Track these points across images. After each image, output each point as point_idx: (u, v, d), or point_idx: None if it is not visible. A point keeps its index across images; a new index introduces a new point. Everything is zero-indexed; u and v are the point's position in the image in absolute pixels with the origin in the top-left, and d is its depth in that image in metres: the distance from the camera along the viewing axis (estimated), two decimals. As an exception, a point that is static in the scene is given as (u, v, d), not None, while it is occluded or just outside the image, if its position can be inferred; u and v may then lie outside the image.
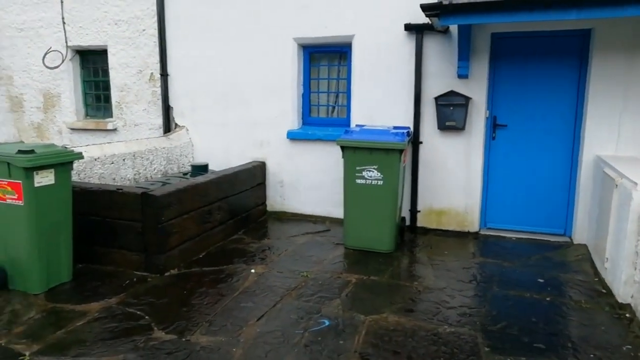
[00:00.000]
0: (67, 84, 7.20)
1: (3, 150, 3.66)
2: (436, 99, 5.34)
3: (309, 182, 6.06)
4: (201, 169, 5.76)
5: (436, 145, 5.46)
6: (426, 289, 3.94)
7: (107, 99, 7.14)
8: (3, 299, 3.70)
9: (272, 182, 6.25)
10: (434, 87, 5.36)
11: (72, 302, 3.68)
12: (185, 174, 5.61)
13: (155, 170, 5.85)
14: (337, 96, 6.17)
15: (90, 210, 4.35)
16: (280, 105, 6.04)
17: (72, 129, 7.23)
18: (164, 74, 6.48)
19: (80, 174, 4.76)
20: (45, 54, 7.09)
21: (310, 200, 6.10)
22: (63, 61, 7.05)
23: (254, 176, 5.92)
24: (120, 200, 4.24)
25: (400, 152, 4.67)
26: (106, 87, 7.10)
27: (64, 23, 6.95)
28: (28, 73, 7.38)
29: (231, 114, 6.26)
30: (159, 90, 6.57)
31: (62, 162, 3.85)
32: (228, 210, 5.29)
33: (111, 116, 7.06)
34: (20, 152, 3.58)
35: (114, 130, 6.94)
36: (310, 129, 6.08)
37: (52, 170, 3.79)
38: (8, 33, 7.36)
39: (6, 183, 3.67)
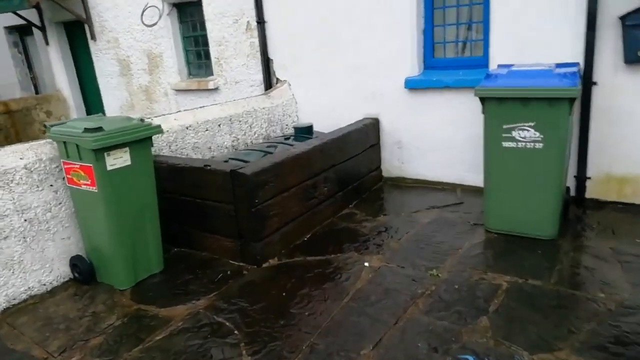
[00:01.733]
0: (168, 42, 6.76)
1: (74, 126, 3.15)
2: (623, 18, 3.72)
3: (434, 141, 4.89)
4: (305, 131, 4.92)
5: (619, 86, 3.88)
6: (621, 307, 2.69)
7: (208, 55, 6.57)
8: (88, 297, 3.33)
9: (388, 143, 5.19)
10: (618, 0, 3.73)
11: (158, 302, 3.17)
12: (287, 137, 4.82)
13: (256, 135, 5.16)
14: (468, 28, 4.77)
15: (179, 189, 3.79)
16: (396, 46, 4.85)
17: (176, 90, 6.86)
18: (261, 21, 5.63)
19: (172, 145, 4.21)
20: (143, 10, 6.67)
21: (435, 163, 4.95)
22: (160, 16, 6.58)
23: (366, 137, 4.92)
24: (209, 179, 3.59)
25: (570, 101, 3.28)
26: (205, 42, 6.51)
27: (158, -25, 6.41)
28: (131, 33, 7.09)
29: (337, 61, 5.24)
30: (256, 41, 5.77)
31: (138, 138, 3.25)
32: (336, 180, 4.42)
33: (212, 74, 6.49)
34: (86, 130, 3.03)
35: (216, 89, 6.38)
36: (435, 73, 4.82)
37: (127, 149, 3.21)
38: (109, -8, 7.10)
39: (78, 167, 3.18)
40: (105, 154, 3.10)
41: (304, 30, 5.37)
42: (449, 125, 4.75)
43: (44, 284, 3.42)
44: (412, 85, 4.83)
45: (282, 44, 5.60)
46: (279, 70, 5.73)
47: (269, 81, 5.77)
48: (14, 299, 3.26)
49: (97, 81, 7.88)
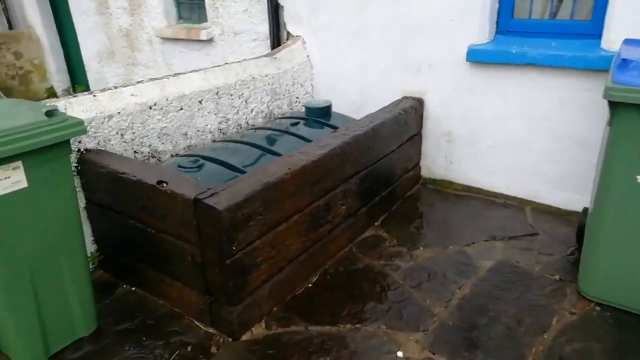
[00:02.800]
0: (153, -27, 5.26)
1: None
2: None
3: (499, 137, 3.50)
4: (320, 112, 3.56)
5: None
6: None
7: (203, -7, 5.07)
8: (-31, 384, 2.19)
9: (433, 134, 3.81)
10: None
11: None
12: (295, 122, 3.45)
13: (254, 113, 3.80)
14: (571, -24, 3.24)
15: (126, 208, 2.54)
16: (460, -1, 3.36)
17: (162, 37, 5.43)
18: (271, -48, 4.11)
19: (126, 132, 2.91)
20: None
21: (498, 167, 3.58)
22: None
23: (404, 126, 3.54)
24: (165, 204, 2.31)
25: None
26: (201, -25, 5.00)
27: None
28: (108, -40, 5.58)
29: (372, 13, 3.76)
30: (264, -21, 4.27)
31: (40, 146, 1.95)
32: (360, 192, 3.11)
33: (206, 20, 5.03)
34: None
35: (210, 41, 4.94)
36: (513, 42, 3.34)
37: (19, 164, 1.93)
38: None
39: (-61, 190, 1.92)
40: (-23, 173, 1.83)
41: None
42: (525, 117, 3.33)
43: None
44: (477, 57, 3.37)
45: (297, -16, 4.09)
46: (291, 22, 4.25)
47: (277, 36, 4.32)
48: None
49: (72, 18, 6.45)
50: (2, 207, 1.92)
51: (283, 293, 2.61)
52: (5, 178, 1.89)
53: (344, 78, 4.07)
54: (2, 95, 2.18)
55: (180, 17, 5.46)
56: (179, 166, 2.70)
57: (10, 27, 8.08)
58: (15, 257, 2.02)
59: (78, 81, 7.29)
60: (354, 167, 3.00)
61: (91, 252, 2.86)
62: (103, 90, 2.87)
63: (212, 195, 2.17)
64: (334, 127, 3.45)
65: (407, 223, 3.39)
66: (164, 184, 2.30)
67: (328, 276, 2.84)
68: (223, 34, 4.80)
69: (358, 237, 3.21)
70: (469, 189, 3.78)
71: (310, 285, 2.77)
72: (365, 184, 3.16)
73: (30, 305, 2.13)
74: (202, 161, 2.80)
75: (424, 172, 3.97)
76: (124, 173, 2.44)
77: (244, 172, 2.75)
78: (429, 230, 3.30)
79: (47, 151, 1.98)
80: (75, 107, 2.66)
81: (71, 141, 2.52)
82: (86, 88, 6.99)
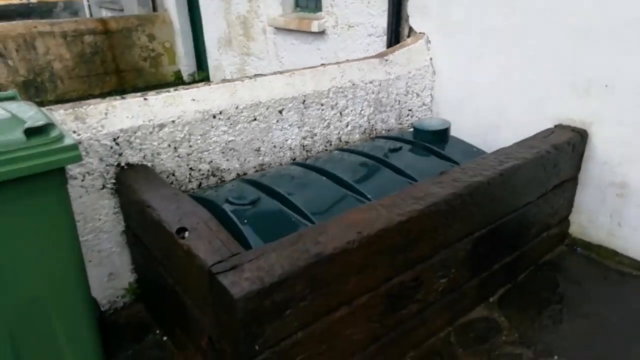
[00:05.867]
0: (274, -45, 4.75)
1: None
2: None
3: None
4: (433, 137, 2.67)
5: None
6: None
7: (323, -22, 4.40)
8: None
9: (597, 181, 2.66)
10: None
11: None
12: (396, 148, 2.61)
13: (349, 127, 3.04)
14: None
15: (153, 248, 2.00)
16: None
17: (275, 27, 4.91)
18: None
19: (180, 146, 2.38)
20: None
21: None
22: None
23: (553, 168, 2.48)
24: (183, 262, 1.70)
25: None
26: (323, -42, 4.33)
27: None
28: (233, -59, 5.21)
29: (530, 8, 2.72)
30: (389, -40, 3.44)
31: (16, 176, 1.45)
32: (469, 261, 2.20)
33: (321, 9, 4.36)
34: None
35: (321, 33, 4.27)
36: None
37: (-12, 196, 1.45)
38: None
39: None
40: None
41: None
42: None
43: None
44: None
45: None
46: (416, 15, 3.37)
47: (396, 31, 3.47)
48: None
49: (199, 2, 6.31)
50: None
51: (334, 399, 1.86)
52: (-31, 214, 1.44)
53: (476, 91, 3.10)
54: (17, 95, 1.71)
55: (297, 4, 4.89)
56: (227, 200, 2.08)
57: (154, 9, 8.39)
58: (-13, 312, 1.58)
59: (202, 67, 7.24)
60: (465, 227, 2.10)
61: (129, 283, 2.43)
62: (159, 92, 2.36)
63: (232, 268, 1.49)
64: (448, 159, 2.56)
65: (537, 306, 2.38)
66: (184, 235, 1.69)
67: (405, 379, 2.02)
68: (336, 26, 4.10)
69: (460, 319, 2.31)
70: (643, 268, 2.59)
71: (377, 387, 1.97)
72: (481, 248, 2.23)
73: None
74: (259, 194, 2.15)
75: (574, 231, 2.85)
76: (149, 206, 1.90)
77: (309, 221, 2.04)
78: (571, 327, 2.25)
79: (22, 182, 1.48)
80: (119, 112, 2.19)
81: (110, 153, 2.08)
82: (207, 75, 6.88)
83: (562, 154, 2.50)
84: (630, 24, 2.33)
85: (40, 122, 1.50)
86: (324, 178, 2.36)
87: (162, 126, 2.30)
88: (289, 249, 1.59)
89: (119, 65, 6.93)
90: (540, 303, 2.41)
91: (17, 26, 6.25)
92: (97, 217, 2.19)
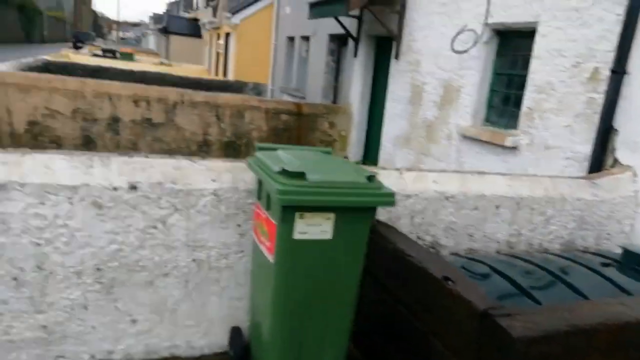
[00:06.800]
0: (473, 76, 5.41)
1: (276, 160, 2.11)
2: None
3: None
4: (643, 262, 2.80)
5: None
6: None
7: (519, 102, 4.91)
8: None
9: None
10: None
11: None
12: (605, 263, 2.80)
13: (552, 236, 3.29)
14: None
15: (396, 290, 2.40)
16: None
17: (463, 135, 5.47)
18: (619, 71, 3.65)
19: (416, 216, 2.85)
20: (457, 34, 5.50)
21: None
22: (475, 43, 5.28)
23: None
24: (443, 303, 2.07)
25: None
26: (521, 85, 4.88)
27: (490, -7, 5.11)
28: (435, 58, 6.04)
29: None
30: (599, 98, 3.82)
31: (353, 205, 2.00)
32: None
33: (515, 127, 4.83)
34: (282, 173, 1.94)
35: (513, 148, 4.69)
36: None
37: (331, 216, 2.00)
38: (429, 9, 6.19)
39: (264, 217, 2.14)
40: (297, 214, 1.96)
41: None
42: None
43: (193, 347, 2.57)
44: None
45: (646, 110, 3.50)
46: (623, 149, 3.64)
47: (599, 160, 3.75)
48: (154, 353, 2.50)
49: (385, 103, 7.22)
50: (307, 251, 2.01)
51: None
52: (318, 225, 1.99)
53: (683, 229, 3.19)
54: (332, 151, 2.34)
55: (487, 119, 5.43)
56: (463, 267, 2.44)
57: (334, 101, 9.67)
58: (300, 300, 2.09)
59: (369, 157, 8.04)
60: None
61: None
62: (410, 170, 2.90)
63: (506, 315, 1.81)
64: (663, 287, 2.65)
65: None
66: (450, 282, 2.06)
67: None
68: (531, 145, 4.49)
69: None
70: None
71: None
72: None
73: (297, 338, 2.16)
74: (488, 271, 2.48)
75: None
76: (410, 256, 2.32)
77: (534, 300, 2.30)
78: None
79: (356, 212, 2.02)
80: (381, 178, 2.73)
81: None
82: (374, 165, 7.62)
83: None
84: None
85: (373, 172, 2.06)
86: (539, 269, 2.61)
87: (408, 197, 2.80)
88: (547, 314, 1.88)
89: (301, 142, 8.01)
90: None
91: (236, 98, 7.69)
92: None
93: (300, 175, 1.91)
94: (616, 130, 3.70)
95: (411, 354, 2.26)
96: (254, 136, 7.75)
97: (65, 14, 50.29)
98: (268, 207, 2.07)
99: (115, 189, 2.21)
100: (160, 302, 2.44)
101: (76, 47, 28.47)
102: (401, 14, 6.65)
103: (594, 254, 3.04)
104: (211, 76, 18.80)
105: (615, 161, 3.69)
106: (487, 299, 1.93)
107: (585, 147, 3.91)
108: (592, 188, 3.39)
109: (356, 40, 8.05)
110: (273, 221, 2.02)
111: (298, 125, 7.98)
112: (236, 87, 12.92)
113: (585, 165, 3.87)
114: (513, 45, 5.15)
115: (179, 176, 2.33)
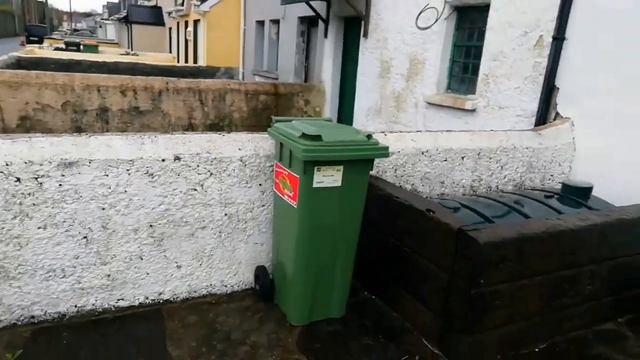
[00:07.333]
0: (435, 48, 6.07)
1: (294, 128, 2.70)
2: None
3: None
4: (578, 192, 3.55)
5: None
6: None
7: (476, 70, 5.61)
8: (258, 319, 2.91)
9: None
10: None
11: (319, 365, 2.53)
12: (549, 195, 3.55)
13: (506, 179, 4.02)
14: None
15: (387, 226, 3.06)
16: None
17: (428, 102, 6.15)
18: (559, 37, 4.36)
19: (398, 169, 3.50)
20: (421, 11, 6.12)
21: None
22: (437, 20, 5.92)
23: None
24: (426, 229, 2.73)
25: None
26: (478, 54, 5.56)
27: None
28: (401, 35, 6.66)
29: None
30: (544, 62, 4.54)
31: (357, 158, 2.62)
32: (607, 280, 2.99)
33: (474, 92, 5.53)
34: (303, 136, 2.53)
35: (472, 111, 5.40)
36: None
37: (340, 168, 2.62)
38: (392, -9, 6.79)
39: (286, 174, 2.74)
40: (316, 168, 2.56)
41: (618, 51, 3.90)
42: None
43: (226, 285, 3.17)
44: None
45: (582, 69, 4.21)
46: (563, 104, 4.38)
47: (544, 115, 4.49)
48: (195, 292, 3.09)
49: (356, 79, 7.82)
50: (321, 197, 2.63)
51: (509, 346, 2.70)
52: (330, 175, 2.60)
53: (610, 167, 3.95)
54: (331, 119, 2.94)
55: (449, 87, 6.12)
56: (440, 204, 3.11)
57: (306, 80, 10.18)
58: (317, 237, 2.71)
59: (344, 129, 8.66)
60: (612, 251, 2.93)
61: (347, 257, 3.46)
62: (392, 132, 3.54)
63: (474, 230, 2.49)
64: (593, 209, 3.42)
65: (660, 330, 3.06)
66: (432, 212, 2.73)
67: (557, 349, 2.80)
68: (487, 107, 5.21)
69: (595, 326, 3.05)
70: None
71: (536, 350, 2.78)
72: (620, 273, 3.03)
73: (314, 276, 2.79)
74: (458, 205, 3.17)
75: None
76: (397, 197, 2.98)
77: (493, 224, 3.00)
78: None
79: (359, 163, 2.64)
80: (371, 140, 3.36)
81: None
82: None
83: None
84: None
85: (369, 131, 2.68)
86: (497, 203, 3.32)
87: (392, 153, 3.43)
88: (505, 228, 2.57)
89: (280, 120, 8.52)
90: (663, 328, 3.09)
91: (217, 82, 8.12)
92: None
93: (318, 138, 2.51)
94: (557, 87, 4.44)
95: (401, 272, 2.94)
96: (235, 117, 8.24)
97: (13, 8, 48.04)
98: (290, 165, 2.67)
99: (163, 160, 2.75)
100: (199, 250, 3.01)
101: (30, 42, 27.58)
102: (367, -5, 7.21)
103: (540, 190, 3.79)
104: (180, 63, 18.85)
105: (557, 115, 4.44)
106: (461, 221, 2.61)
107: (532, 105, 4.65)
108: (538, 138, 4.13)
109: (326, 22, 8.58)
110: (295, 175, 2.62)
111: (276, 105, 8.50)
112: (208, 72, 13.17)
113: (533, 120, 4.61)
114: (470, 20, 5.82)
115: (212, 147, 2.89)
